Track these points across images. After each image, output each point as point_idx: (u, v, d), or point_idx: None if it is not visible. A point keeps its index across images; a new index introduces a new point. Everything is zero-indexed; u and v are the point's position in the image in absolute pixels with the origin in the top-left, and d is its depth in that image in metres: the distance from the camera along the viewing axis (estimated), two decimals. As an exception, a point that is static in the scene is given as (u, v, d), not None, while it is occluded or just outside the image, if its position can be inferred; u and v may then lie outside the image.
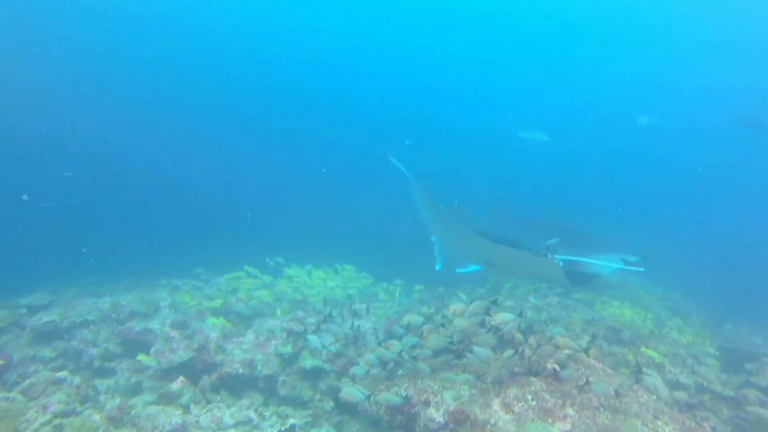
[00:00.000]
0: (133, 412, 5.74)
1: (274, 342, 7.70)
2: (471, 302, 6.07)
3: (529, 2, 28.52)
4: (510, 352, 5.41)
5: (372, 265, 12.87)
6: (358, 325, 8.03)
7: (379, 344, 6.34)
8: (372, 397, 5.33)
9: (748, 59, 28.10)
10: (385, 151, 8.73)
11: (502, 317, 5.91)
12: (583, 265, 7.13)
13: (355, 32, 32.37)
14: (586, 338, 6.68)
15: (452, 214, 7.59)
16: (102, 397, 6.35)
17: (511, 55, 33.25)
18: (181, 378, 6.66)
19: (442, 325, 6.47)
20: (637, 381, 5.37)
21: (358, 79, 34.82)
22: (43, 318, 8.32)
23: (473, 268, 8.26)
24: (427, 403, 5.24)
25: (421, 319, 6.64)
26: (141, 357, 7.08)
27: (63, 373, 6.49)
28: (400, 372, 6.24)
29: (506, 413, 4.92)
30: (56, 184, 18.44)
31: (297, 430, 6.17)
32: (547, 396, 5.10)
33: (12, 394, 5.88)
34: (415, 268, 12.29)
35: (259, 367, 7.20)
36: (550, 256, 6.60)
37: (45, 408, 5.46)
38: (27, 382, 6.18)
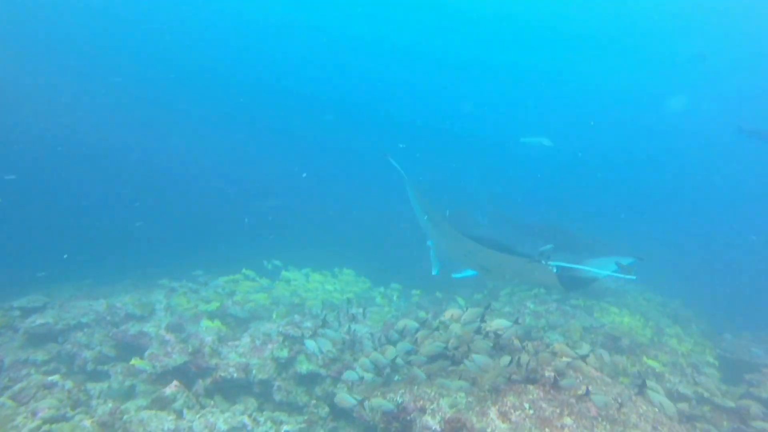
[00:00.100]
0: (125, 417, 5.65)
1: (270, 346, 7.62)
2: (467, 308, 6.01)
3: (528, 9, 28.57)
4: (507, 359, 5.35)
5: (370, 269, 12.84)
6: (355, 330, 7.98)
7: (374, 349, 6.28)
8: (365, 402, 5.27)
9: (748, 66, 28.12)
10: (385, 153, 8.73)
11: (498, 323, 5.85)
12: (577, 270, 7.08)
13: (358, 37, 32.41)
14: (585, 346, 6.61)
15: (445, 218, 7.55)
16: (94, 402, 6.27)
17: (512, 58, 33.28)
18: (175, 382, 6.58)
19: (437, 329, 6.41)
20: (640, 392, 5.30)
21: (358, 84, 34.88)
22: (37, 320, 8.24)
23: (469, 273, 8.22)
24: (423, 410, 5.17)
25: (416, 324, 6.57)
26: (135, 361, 7.00)
27: (54, 377, 6.39)
28: (396, 378, 6.17)
29: (503, 422, 4.85)
30: (56, 185, 18.46)
31: (291, 436, 6.10)
32: (544, 405, 5.03)
33: (2, 399, 5.78)
34: (413, 273, 12.28)
35: (254, 372, 7.12)
36: (543, 262, 6.56)
37: (34, 413, 5.37)
38: (17, 387, 6.09)
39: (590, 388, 5.18)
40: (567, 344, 6.11)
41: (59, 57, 23.65)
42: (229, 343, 7.81)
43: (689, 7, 25.44)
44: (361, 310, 8.73)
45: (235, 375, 7.01)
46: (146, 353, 7.38)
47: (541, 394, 5.20)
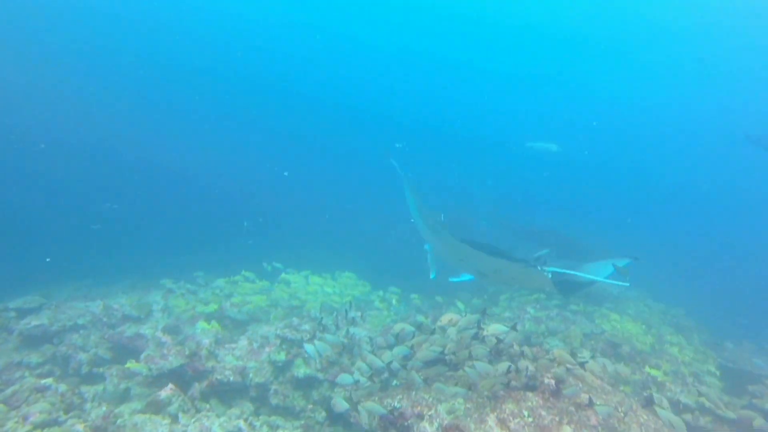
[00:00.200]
0: (118, 421, 5.58)
1: (267, 349, 7.54)
2: (466, 313, 5.95)
3: (530, 12, 28.57)
4: (505, 365, 5.28)
5: (370, 272, 12.80)
6: (353, 334, 7.91)
7: (371, 353, 6.22)
8: (358, 406, 5.22)
9: (749, 68, 28.08)
10: (387, 154, 8.74)
11: (495, 328, 5.79)
12: (571, 275, 7.05)
13: (361, 39, 32.40)
14: (586, 352, 6.55)
15: (441, 222, 7.53)
16: (88, 405, 6.18)
17: (515, 61, 33.28)
18: (170, 385, 6.50)
19: (433, 333, 6.34)
20: (647, 405, 5.22)
21: (360, 86, 34.86)
22: (32, 322, 8.15)
23: (466, 277, 8.19)
24: (420, 417, 5.11)
25: (412, 328, 6.53)
26: (130, 364, 6.93)
27: (48, 380, 6.31)
28: (394, 383, 6.11)
29: (501, 430, 4.78)
30: (57, 185, 18.43)
31: (287, 441, 6.03)
32: (543, 412, 4.96)
33: (-7, 403, 5.72)
34: (413, 276, 12.22)
35: (251, 375, 7.05)
36: (539, 267, 6.53)
37: (25, 418, 5.29)
38: (10, 390, 6.01)
39: (592, 397, 5.10)
40: (567, 351, 6.03)
41: (60, 57, 23.66)
42: (227, 346, 7.73)
43: (692, 12, 25.42)
44: (359, 313, 8.66)
45: (231, 378, 6.93)
46: (142, 355, 7.31)
47: (541, 401, 5.13)
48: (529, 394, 5.24)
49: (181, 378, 7.02)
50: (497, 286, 11.04)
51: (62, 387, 6.26)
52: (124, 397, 6.82)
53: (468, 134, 34.20)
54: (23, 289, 9.69)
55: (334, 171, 29.75)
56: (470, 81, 35.09)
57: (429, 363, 5.74)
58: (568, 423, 4.81)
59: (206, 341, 7.68)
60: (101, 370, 7.35)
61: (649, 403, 5.26)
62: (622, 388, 6.05)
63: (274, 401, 6.79)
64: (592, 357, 5.96)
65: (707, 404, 6.24)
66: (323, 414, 6.42)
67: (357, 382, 5.87)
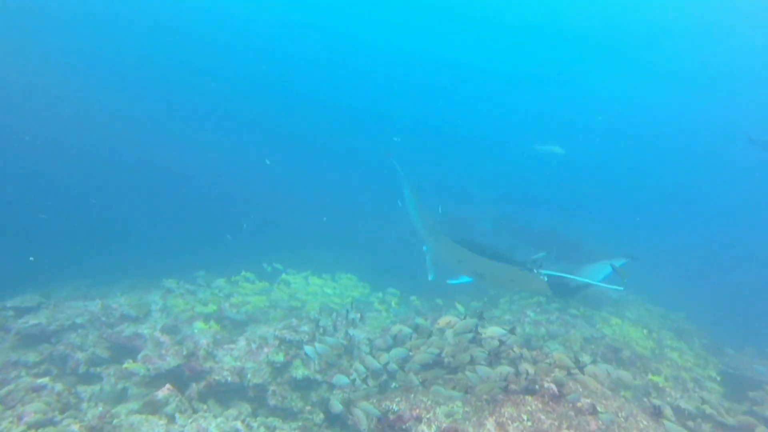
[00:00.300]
0: (115, 421, 5.54)
1: (266, 350, 7.50)
2: (465, 315, 5.93)
3: (533, 14, 28.54)
4: (503, 368, 5.25)
5: (370, 273, 12.76)
6: (352, 335, 7.88)
7: (368, 354, 6.20)
8: (354, 408, 5.20)
9: (751, 72, 28.02)
10: (388, 153, 8.74)
11: (492, 331, 5.75)
12: (567, 278, 7.04)
13: (364, 40, 32.36)
14: (586, 357, 6.51)
15: (439, 223, 7.53)
16: (84, 405, 6.16)
17: (519, 62, 33.25)
18: (167, 385, 6.46)
19: (430, 335, 6.31)
20: (655, 415, 5.18)
21: (362, 87, 34.84)
22: (30, 321, 8.12)
23: (464, 279, 8.17)
24: (419, 419, 5.07)
25: (409, 330, 6.51)
26: (128, 365, 6.90)
27: (44, 380, 6.28)
28: (393, 385, 6.07)
29: (500, 434, 4.74)
30: (60, 185, 18.45)
31: (284, 443, 5.99)
32: (543, 417, 4.92)
33: (-13, 403, 5.69)
34: (413, 278, 12.17)
35: (249, 376, 7.01)
36: (535, 270, 6.52)
37: (20, 418, 5.26)
38: (5, 389, 5.97)
39: (595, 404, 5.06)
40: (567, 355, 5.99)
41: (60, 57, 23.66)
42: (225, 346, 7.70)
43: (693, 12, 25.37)
44: (359, 315, 8.63)
45: (229, 379, 6.90)
46: (140, 355, 7.28)
47: (540, 405, 5.08)
48: (529, 398, 5.20)
49: (178, 378, 6.98)
50: (496, 288, 11.00)
51: (59, 386, 6.23)
52: (121, 397, 6.78)
53: (469, 135, 34.23)
54: (22, 288, 9.67)
55: (335, 172, 29.79)
56: (471, 81, 35.07)
57: (427, 366, 5.70)
58: (568, 428, 4.76)
59: (204, 342, 7.65)
60: (99, 369, 7.32)
61: (657, 415, 5.21)
62: (623, 393, 6.01)
63: (272, 402, 6.75)
64: (594, 362, 5.91)
65: (708, 410, 6.19)
66: (321, 416, 6.38)
67: (353, 382, 5.85)
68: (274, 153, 29.37)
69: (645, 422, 5.14)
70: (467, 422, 4.90)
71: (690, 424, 5.83)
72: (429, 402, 5.28)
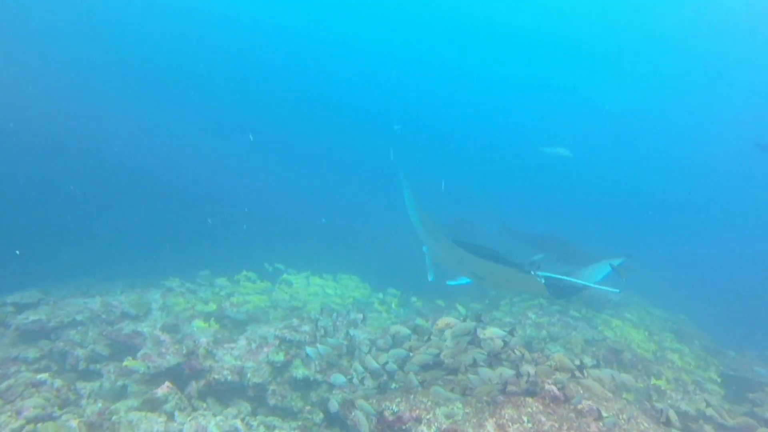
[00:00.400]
0: (113, 418, 5.53)
1: (266, 349, 7.48)
2: (466, 318, 5.92)
3: (535, 18, 28.56)
4: (504, 370, 5.23)
5: (372, 274, 12.75)
6: (353, 335, 7.87)
7: (367, 354, 6.20)
8: (352, 407, 5.21)
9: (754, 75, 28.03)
10: (391, 153, 8.78)
11: (491, 332, 5.74)
12: (564, 280, 7.04)
13: (372, 47, 32.38)
14: (587, 359, 6.49)
15: (438, 225, 7.52)
16: (84, 401, 6.14)
17: (522, 67, 33.27)
18: (167, 383, 6.45)
19: (428, 339, 6.30)
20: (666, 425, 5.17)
21: (365, 89, 34.89)
22: (30, 317, 8.11)
23: (464, 281, 8.17)
24: (419, 420, 5.05)
25: (407, 330, 6.49)
26: (128, 362, 6.88)
27: (44, 376, 6.27)
28: (393, 386, 6.06)
29: (500, 435, 4.72)
30: (65, 183, 18.49)
31: (284, 442, 5.97)
32: (543, 418, 4.90)
33: (-13, 397, 5.68)
34: (415, 279, 12.16)
35: (249, 375, 6.99)
36: (532, 272, 6.52)
37: (18, 413, 5.25)
38: (5, 384, 5.96)
39: (592, 404, 5.04)
40: (568, 357, 5.97)
41: (63, 57, 23.72)
42: (225, 345, 7.68)
43: (696, 20, 25.40)
44: (361, 315, 8.63)
45: (229, 378, 6.88)
46: (139, 353, 7.27)
47: (541, 407, 5.07)
48: (529, 400, 5.18)
49: (178, 376, 6.97)
50: (497, 290, 11.00)
51: (58, 382, 6.21)
52: (120, 394, 6.77)
53: (473, 138, 34.26)
54: (23, 284, 9.67)
55: (338, 173, 29.80)
56: (473, 87, 35.11)
57: (426, 367, 5.69)
58: (569, 430, 4.74)
59: (204, 340, 7.63)
60: (98, 366, 7.31)
61: (666, 424, 5.20)
62: (624, 395, 5.98)
63: (271, 402, 6.73)
64: (598, 366, 5.90)
65: (709, 412, 6.17)
66: (321, 415, 6.36)
67: (350, 380, 5.85)
68: (277, 153, 29.41)
69: (646, 424, 5.12)
70: (467, 423, 4.89)
71: (692, 426, 5.80)
72: (429, 403, 5.26)
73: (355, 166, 30.58)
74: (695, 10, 24.70)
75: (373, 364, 5.69)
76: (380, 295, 11.19)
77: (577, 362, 5.70)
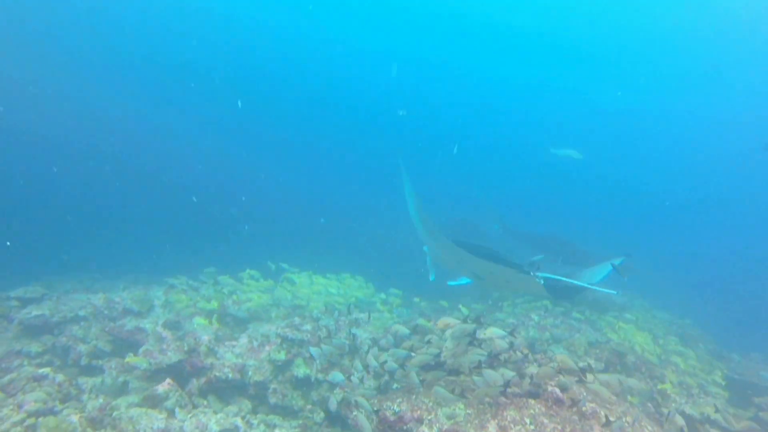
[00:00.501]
0: (114, 413, 5.53)
1: (267, 348, 7.47)
2: (467, 319, 5.89)
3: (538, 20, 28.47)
4: (506, 372, 5.20)
5: (375, 274, 12.73)
6: (355, 334, 7.85)
7: (367, 352, 6.18)
8: (350, 405, 5.19)
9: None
10: (397, 151, 8.76)
11: (492, 332, 5.71)
12: (563, 282, 6.99)
13: (377, 47, 32.34)
14: (591, 361, 6.44)
15: (438, 225, 7.49)
16: (85, 397, 6.14)
17: (520, 69, 33.17)
18: (168, 380, 6.45)
19: (429, 342, 6.27)
20: None
21: (367, 89, 34.86)
22: (33, 311, 8.13)
23: (464, 281, 8.13)
24: (420, 421, 5.02)
25: (406, 330, 6.46)
26: (129, 359, 6.89)
27: (46, 370, 6.28)
28: (395, 386, 6.03)
29: (502, 437, 4.68)
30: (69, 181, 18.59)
31: (284, 441, 5.96)
32: (546, 420, 4.85)
33: (-11, 390, 5.69)
34: (418, 280, 12.13)
35: (250, 373, 6.98)
36: (532, 273, 6.49)
37: (20, 406, 5.26)
38: (7, 378, 5.98)
39: (593, 405, 4.99)
40: (571, 358, 5.92)
41: (64, 57, 23.81)
42: (226, 343, 7.67)
43: (701, 20, 25.26)
44: (366, 314, 8.62)
45: (230, 375, 6.87)
46: (141, 349, 7.27)
47: (543, 409, 5.03)
48: (532, 402, 5.14)
49: (179, 373, 6.97)
50: (497, 290, 10.96)
51: (60, 377, 6.23)
52: (122, 390, 6.77)
53: (473, 140, 34.22)
54: (27, 280, 9.71)
55: (342, 174, 29.83)
56: (473, 87, 35.04)
57: (427, 367, 5.67)
58: (571, 432, 4.70)
59: (206, 338, 7.62)
60: (100, 362, 7.31)
61: (672, 428, 5.16)
62: (629, 398, 5.92)
63: (272, 400, 6.72)
64: (606, 370, 5.85)
65: (713, 416, 6.10)
66: (321, 415, 6.34)
67: (348, 378, 5.83)
68: (282, 154, 29.45)
69: (650, 428, 5.07)
70: (469, 425, 4.85)
71: (698, 428, 5.75)
72: (430, 403, 5.23)
73: (357, 166, 30.62)
74: (695, 10, 24.58)
75: (374, 363, 5.67)
76: (382, 295, 11.16)
77: (582, 364, 5.66)
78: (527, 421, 4.83)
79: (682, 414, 6.32)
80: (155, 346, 7.36)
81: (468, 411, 5.05)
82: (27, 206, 15.92)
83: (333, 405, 5.54)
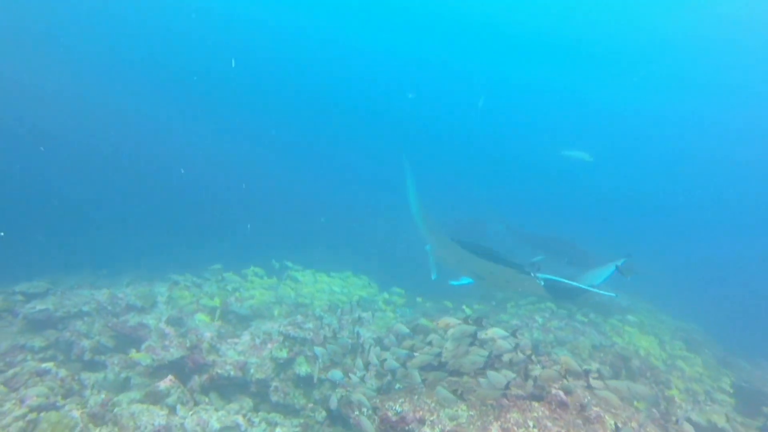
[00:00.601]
0: (116, 409, 5.52)
1: (270, 345, 7.45)
2: (467, 318, 5.85)
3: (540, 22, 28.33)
4: (508, 373, 5.14)
5: (379, 274, 12.71)
6: (358, 332, 7.81)
7: (369, 351, 6.15)
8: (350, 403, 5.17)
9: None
10: (401, 149, 8.72)
11: (493, 332, 5.66)
12: (563, 283, 6.94)
13: (380, 48, 32.28)
14: (595, 364, 6.38)
15: (439, 224, 7.44)
16: (87, 392, 6.15)
17: (529, 69, 33.01)
18: (170, 377, 6.44)
19: (430, 343, 6.22)
20: None
21: (369, 90, 34.82)
22: (37, 306, 8.17)
23: (466, 281, 8.08)
24: (422, 422, 4.97)
25: (406, 329, 6.43)
26: (132, 354, 6.89)
27: (49, 365, 6.29)
28: (397, 386, 5.99)
29: (505, 439, 4.63)
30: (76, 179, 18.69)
31: (285, 439, 5.94)
32: (549, 423, 4.80)
33: (-7, 385, 5.69)
34: (422, 280, 12.08)
35: (252, 371, 6.96)
36: (532, 274, 6.44)
37: (22, 401, 5.26)
38: (11, 372, 5.99)
39: (597, 408, 4.93)
40: (575, 362, 5.86)
41: (66, 56, 23.90)
42: (229, 340, 7.66)
43: (702, 23, 25.04)
44: (369, 314, 8.59)
45: (232, 373, 6.86)
46: (144, 345, 7.28)
47: (547, 412, 4.97)
48: (535, 404, 5.08)
49: (181, 370, 6.97)
50: (498, 290, 10.91)
51: (62, 372, 6.23)
52: (124, 386, 6.78)
53: (477, 141, 34.12)
54: (31, 275, 9.74)
55: (346, 173, 29.81)
56: (475, 87, 34.92)
57: (429, 368, 5.63)
58: (575, 436, 4.64)
59: (208, 335, 7.62)
60: (103, 357, 7.33)
61: None
62: (635, 403, 5.86)
63: (274, 398, 6.70)
64: (617, 377, 5.79)
65: (722, 425, 6.02)
66: (323, 413, 6.31)
67: (348, 376, 5.80)
68: (286, 153, 29.48)
69: (655, 433, 5.02)
70: (471, 426, 4.80)
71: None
72: (433, 404, 5.18)
73: (361, 166, 30.58)
74: (695, 10, 24.38)
75: (374, 361, 5.64)
76: (385, 295, 11.13)
77: (586, 367, 5.60)
78: (530, 424, 4.78)
79: (689, 421, 6.25)
80: (158, 342, 7.37)
81: (471, 413, 5.00)
82: (33, 203, 16.00)
83: (333, 404, 5.52)
